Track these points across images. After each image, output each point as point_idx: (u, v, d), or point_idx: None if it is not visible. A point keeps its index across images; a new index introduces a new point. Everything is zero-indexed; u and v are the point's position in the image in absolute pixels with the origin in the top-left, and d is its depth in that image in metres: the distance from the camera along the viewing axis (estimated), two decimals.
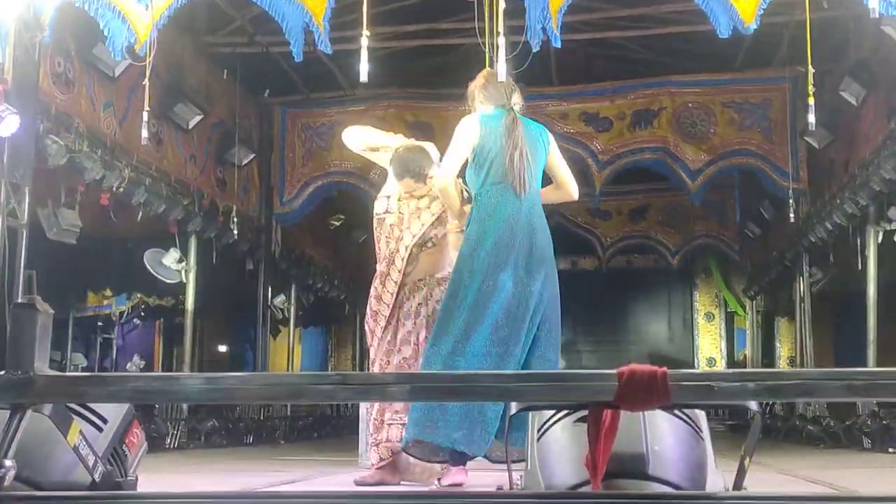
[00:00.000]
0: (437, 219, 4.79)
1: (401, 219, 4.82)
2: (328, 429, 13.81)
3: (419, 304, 4.66)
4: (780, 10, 7.64)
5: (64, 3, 7.32)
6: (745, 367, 15.65)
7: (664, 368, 1.37)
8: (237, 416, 11.31)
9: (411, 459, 4.41)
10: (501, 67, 6.52)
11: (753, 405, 1.40)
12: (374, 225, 4.94)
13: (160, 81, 8.32)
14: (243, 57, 11.04)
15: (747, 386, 1.36)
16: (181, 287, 10.73)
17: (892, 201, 9.29)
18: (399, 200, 4.86)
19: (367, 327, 4.83)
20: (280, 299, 12.89)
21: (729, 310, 17.05)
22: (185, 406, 10.05)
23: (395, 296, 4.67)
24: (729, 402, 1.39)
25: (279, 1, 7.52)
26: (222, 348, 14.89)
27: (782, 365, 15.17)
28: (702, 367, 16.58)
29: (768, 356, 15.93)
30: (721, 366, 16.97)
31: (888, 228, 9.44)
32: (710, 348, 17.22)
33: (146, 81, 7.46)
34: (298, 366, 14.53)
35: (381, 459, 4.55)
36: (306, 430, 13.11)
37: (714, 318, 17.30)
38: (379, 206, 4.94)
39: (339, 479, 5.21)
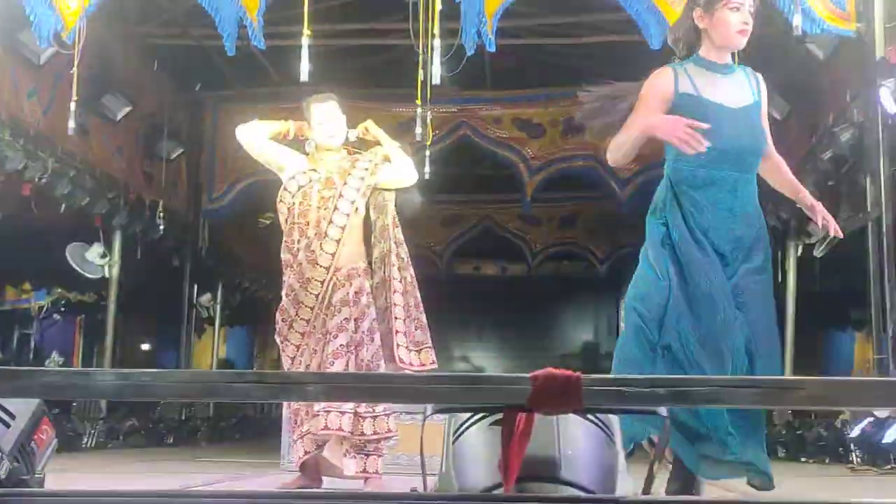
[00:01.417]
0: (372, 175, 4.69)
1: (330, 180, 4.64)
2: (251, 431, 13.64)
3: (356, 291, 4.55)
4: None
5: None
6: None
7: (578, 373, 1.39)
8: (157, 416, 11.12)
9: (331, 460, 4.38)
10: (436, 69, 6.57)
11: (663, 410, 1.43)
12: (293, 203, 4.63)
13: (88, 71, 8.12)
14: (175, 49, 10.87)
15: (657, 392, 1.39)
16: (104, 283, 10.52)
17: (810, 216, 9.52)
18: (315, 172, 4.67)
19: (279, 330, 4.62)
20: (206, 298, 12.70)
21: None
22: (103, 405, 9.86)
23: (325, 283, 4.52)
24: (640, 407, 1.41)
25: None
26: (145, 347, 14.65)
27: None
28: None
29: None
30: None
31: (808, 242, 9.68)
32: None
33: (74, 70, 7.32)
34: (223, 366, 14.34)
35: (306, 452, 4.45)
36: (229, 431, 12.91)
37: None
38: (295, 183, 4.66)
39: (259, 481, 5.14)
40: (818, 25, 7.32)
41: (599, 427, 1.54)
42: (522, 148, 12.10)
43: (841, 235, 3.55)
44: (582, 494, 1.44)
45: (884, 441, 6.85)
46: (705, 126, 3.06)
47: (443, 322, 16.14)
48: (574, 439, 1.50)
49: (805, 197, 3.56)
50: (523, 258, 15.75)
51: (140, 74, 10.73)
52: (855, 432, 7.42)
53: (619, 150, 3.36)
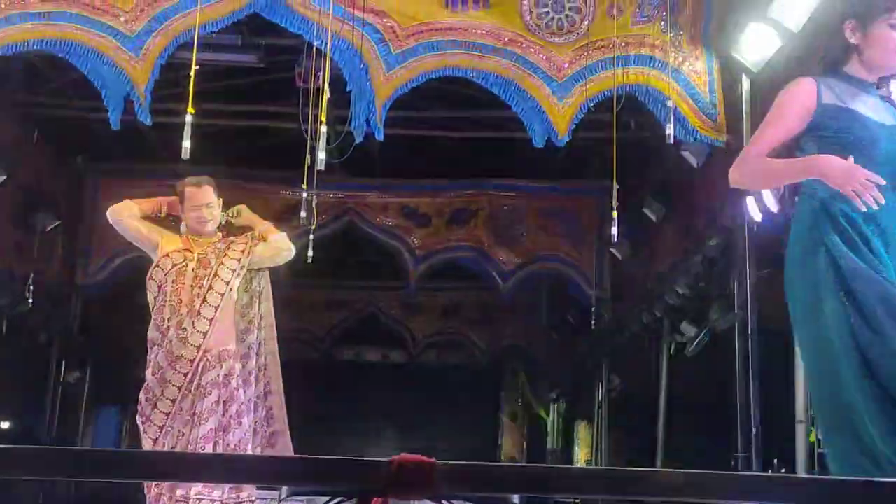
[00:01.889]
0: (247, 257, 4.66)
1: (205, 260, 4.59)
2: None
3: (226, 374, 4.47)
4: (592, 127, 8.09)
5: None
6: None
7: (433, 460, 1.41)
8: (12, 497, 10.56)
9: None
10: (322, 155, 6.63)
11: (515, 498, 1.45)
12: (166, 281, 4.55)
13: None
14: (58, 119, 10.67)
15: (511, 479, 1.42)
16: None
17: (683, 315, 9.81)
18: (188, 253, 4.61)
19: (141, 411, 4.50)
20: (74, 376, 12.24)
21: (533, 411, 17.35)
22: None
23: (194, 363, 4.45)
24: (493, 494, 1.44)
25: (101, 67, 7.40)
26: (4, 425, 13.91)
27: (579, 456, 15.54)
28: None
29: (567, 457, 16.26)
30: None
31: (680, 341, 9.94)
32: (511, 448, 17.41)
33: None
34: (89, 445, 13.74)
35: None
36: None
37: (518, 418, 17.53)
38: (170, 261, 4.59)
39: None
40: (691, 134, 7.67)
41: None
42: (408, 236, 12.21)
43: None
44: None
45: None
46: (882, 181, 2.65)
47: (319, 408, 16.02)
48: None
49: None
50: (405, 346, 15.78)
51: (18, 142, 10.46)
52: None
53: (769, 181, 3.14)
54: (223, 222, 4.75)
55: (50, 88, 10.13)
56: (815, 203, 2.77)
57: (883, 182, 2.63)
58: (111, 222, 4.78)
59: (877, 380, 2.52)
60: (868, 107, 2.84)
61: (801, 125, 2.87)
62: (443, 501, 1.53)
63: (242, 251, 4.67)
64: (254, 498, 4.41)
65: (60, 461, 1.35)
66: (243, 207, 4.83)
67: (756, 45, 7.32)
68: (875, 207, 2.62)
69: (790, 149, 2.90)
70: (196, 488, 4.22)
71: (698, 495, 1.52)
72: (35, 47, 7.40)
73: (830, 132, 2.74)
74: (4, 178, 9.61)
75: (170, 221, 4.80)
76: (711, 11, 7.62)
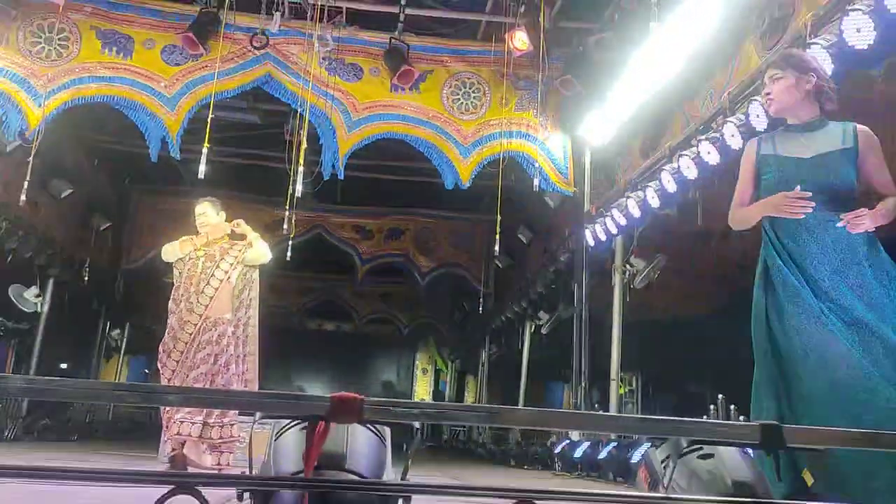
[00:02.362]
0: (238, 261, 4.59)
1: (211, 256, 4.56)
2: (141, 432, 12.57)
3: (219, 335, 4.40)
4: (486, 176, 8.14)
5: None
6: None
7: (362, 396, 1.42)
8: (67, 418, 10.13)
9: (190, 454, 4.16)
10: (299, 186, 6.56)
11: (416, 424, 1.47)
12: (184, 269, 4.53)
13: (43, 161, 7.59)
14: (112, 152, 10.32)
15: (412, 411, 1.44)
16: (36, 316, 9.62)
17: (541, 306, 9.94)
18: (202, 249, 4.58)
19: (160, 358, 4.46)
20: (116, 332, 11.84)
21: (437, 367, 17.38)
22: (24, 406, 8.90)
23: (197, 326, 4.38)
24: (401, 421, 1.45)
25: (146, 117, 7.20)
26: (63, 366, 13.35)
27: None
28: None
29: (460, 400, 16.31)
30: None
31: (537, 323, 10.09)
32: (423, 392, 17.42)
33: (30, 159, 6.84)
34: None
35: (173, 449, 4.25)
36: (122, 433, 11.85)
37: (427, 372, 17.52)
38: (188, 257, 4.58)
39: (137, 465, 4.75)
40: (551, 186, 7.82)
41: (375, 433, 1.57)
42: (358, 245, 12.16)
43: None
44: (357, 478, 1.45)
45: (575, 456, 7.00)
46: (801, 193, 2.38)
47: (293, 360, 15.77)
48: (357, 441, 1.51)
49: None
50: (353, 320, 15.64)
51: (82, 167, 10.10)
52: (557, 449, 7.55)
53: (748, 221, 2.52)
54: (229, 231, 4.68)
55: (108, 130, 9.80)
56: (764, 227, 2.52)
57: (802, 194, 2.38)
58: (162, 255, 4.68)
59: (776, 358, 2.30)
60: (797, 146, 2.52)
61: (752, 176, 2.59)
62: (367, 425, 1.54)
63: (237, 254, 4.63)
64: (234, 422, 4.34)
65: (105, 390, 1.32)
66: (242, 221, 4.76)
67: (595, 131, 7.49)
68: (801, 216, 2.37)
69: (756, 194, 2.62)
70: (184, 412, 4.18)
71: (545, 426, 1.54)
72: (99, 100, 7.16)
73: (767, 175, 2.52)
74: (72, 191, 9.27)
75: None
76: (567, 106, 7.77)
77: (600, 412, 6.99)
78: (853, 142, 2.44)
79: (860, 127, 2.48)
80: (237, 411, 4.36)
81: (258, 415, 1.44)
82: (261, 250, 4.71)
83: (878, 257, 2.32)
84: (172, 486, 1.32)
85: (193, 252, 4.54)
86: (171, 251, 4.64)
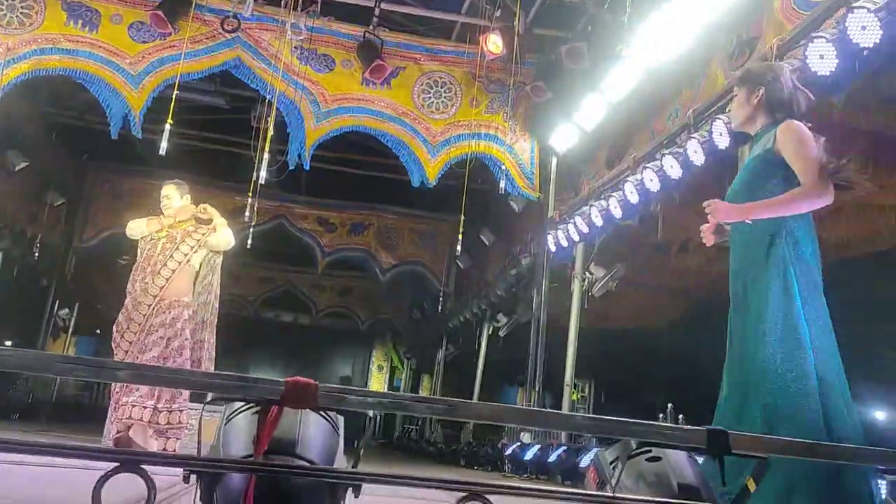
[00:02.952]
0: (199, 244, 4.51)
1: (172, 237, 4.47)
2: (85, 415, 12.25)
3: (173, 318, 4.32)
4: (452, 176, 8.16)
5: None
6: None
7: (316, 382, 1.41)
8: (9, 395, 9.83)
9: (136, 438, 4.08)
10: (263, 174, 6.48)
11: (370, 413, 1.47)
12: (144, 249, 4.45)
13: None
14: (72, 127, 10.05)
15: (367, 400, 1.44)
16: None
17: (499, 309, 9.99)
18: (165, 230, 4.50)
19: (114, 338, 4.35)
20: (64, 312, 11.51)
21: (393, 365, 17.32)
22: None
23: (151, 307, 4.30)
24: (354, 409, 1.44)
25: (108, 93, 7.03)
26: (8, 343, 12.94)
27: None
28: None
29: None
30: None
31: (496, 325, 10.13)
32: (378, 388, 17.29)
33: None
34: None
35: (118, 431, 4.15)
36: (66, 413, 11.51)
37: (383, 369, 17.43)
38: (150, 237, 4.49)
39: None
40: (516, 190, 7.86)
41: (328, 421, 1.55)
42: (319, 237, 12.06)
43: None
44: (307, 464, 1.44)
45: (525, 458, 7.08)
46: (709, 203, 2.52)
47: (249, 350, 15.55)
48: (309, 427, 1.50)
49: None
50: (310, 312, 15.50)
51: (40, 141, 9.80)
52: (508, 451, 7.61)
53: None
54: (193, 214, 4.59)
55: (68, 104, 9.54)
56: None
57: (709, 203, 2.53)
58: (126, 232, 4.55)
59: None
60: (746, 154, 2.68)
61: None
62: (321, 413, 1.53)
63: (199, 238, 4.54)
64: (183, 409, 4.27)
65: (54, 362, 1.29)
66: (208, 206, 4.68)
67: (562, 139, 7.57)
68: (717, 219, 2.54)
69: None
70: (136, 395, 4.09)
71: (500, 421, 1.55)
72: (60, 73, 6.97)
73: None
74: (27, 164, 9.00)
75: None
76: (536, 112, 7.84)
77: (554, 411, 7.06)
78: (772, 141, 2.50)
79: (782, 125, 2.52)
80: (186, 397, 4.29)
81: (209, 397, 1.42)
82: (224, 236, 4.63)
83: (777, 248, 2.36)
84: (117, 464, 1.29)
85: (155, 233, 4.46)
86: (136, 228, 4.54)
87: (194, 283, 4.53)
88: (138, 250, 4.50)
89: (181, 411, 4.22)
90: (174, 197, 4.59)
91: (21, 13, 6.80)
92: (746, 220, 2.41)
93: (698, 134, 5.15)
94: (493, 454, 8.52)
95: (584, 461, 5.87)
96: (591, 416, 1.50)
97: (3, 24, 6.73)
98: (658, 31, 5.60)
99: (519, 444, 7.42)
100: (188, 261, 4.43)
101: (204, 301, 4.56)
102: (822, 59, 4.10)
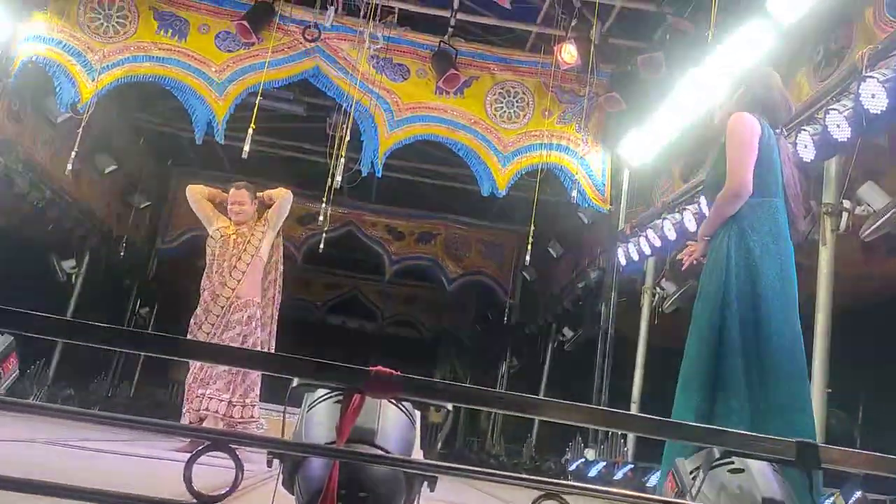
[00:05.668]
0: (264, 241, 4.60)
1: (241, 233, 4.58)
2: (163, 412, 12.66)
3: (249, 316, 4.45)
4: (520, 188, 8.15)
5: (29, 59, 6.81)
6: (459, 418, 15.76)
7: (398, 372, 1.43)
8: (90, 389, 10.30)
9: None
10: (339, 178, 6.63)
11: (449, 406, 1.47)
12: (216, 246, 4.58)
13: (90, 135, 7.76)
14: (158, 133, 10.52)
15: (448, 391, 1.45)
16: (70, 286, 9.82)
17: (565, 323, 9.88)
18: (231, 228, 4.61)
19: (190, 330, 4.52)
20: (145, 310, 12.01)
21: (455, 375, 17.21)
22: (50, 373, 9.09)
23: (229, 300, 4.43)
24: (435, 402, 1.46)
25: (194, 100, 7.33)
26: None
27: (482, 418, 15.48)
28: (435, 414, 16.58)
29: (476, 411, 16.16)
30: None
31: (561, 339, 10.02)
32: None
33: (79, 132, 7.01)
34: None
35: (190, 422, 4.28)
36: (144, 410, 11.94)
37: (445, 379, 17.30)
38: (219, 233, 4.63)
39: (161, 444, 4.77)
40: (587, 201, 7.77)
41: (406, 415, 1.57)
42: (388, 246, 12.18)
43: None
44: (388, 454, 1.46)
45: (589, 475, 6.92)
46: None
47: (316, 355, 15.82)
48: (388, 418, 1.52)
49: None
50: (376, 320, 15.67)
51: (128, 145, 10.30)
52: (571, 467, 7.46)
53: None
54: (259, 209, 4.73)
55: (156, 110, 10.00)
56: None
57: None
58: (188, 196, 4.73)
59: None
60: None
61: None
62: (399, 406, 1.55)
63: (264, 224, 4.63)
64: (255, 404, 4.38)
65: (129, 339, 1.35)
66: (266, 191, 4.79)
67: (636, 150, 7.46)
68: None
69: None
70: (213, 388, 4.21)
71: (571, 419, 1.53)
72: (150, 79, 7.31)
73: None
74: (115, 167, 9.47)
75: (223, 207, 4.79)
76: (609, 123, 7.75)
77: (638, 414, 6.89)
78: (724, 134, 2.63)
79: (730, 117, 2.65)
80: (258, 394, 4.41)
81: (294, 382, 1.46)
82: (281, 196, 4.68)
83: (721, 242, 2.61)
84: (207, 443, 1.34)
85: (224, 231, 4.60)
86: (199, 195, 4.67)
87: (264, 278, 4.65)
88: (208, 250, 4.64)
89: (254, 406, 4.34)
90: (248, 204, 4.68)
91: (116, 22, 7.19)
92: (706, 238, 2.69)
93: None
94: (556, 470, 8.39)
95: (651, 481, 5.72)
96: (676, 421, 1.47)
97: (99, 33, 7.13)
98: (742, 40, 5.46)
99: (583, 460, 7.29)
100: (259, 252, 4.57)
101: (271, 295, 4.67)
102: None
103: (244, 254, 4.51)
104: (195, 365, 4.38)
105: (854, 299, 5.56)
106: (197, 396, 4.24)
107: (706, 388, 2.38)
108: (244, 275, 4.47)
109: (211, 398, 4.18)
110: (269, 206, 4.68)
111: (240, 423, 4.26)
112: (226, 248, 4.54)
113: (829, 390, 4.01)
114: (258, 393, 4.39)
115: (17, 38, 6.77)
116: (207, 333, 4.42)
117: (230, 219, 4.66)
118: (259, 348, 4.46)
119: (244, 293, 4.48)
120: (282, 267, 4.78)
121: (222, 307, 4.42)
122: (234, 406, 4.24)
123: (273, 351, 4.65)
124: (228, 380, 4.21)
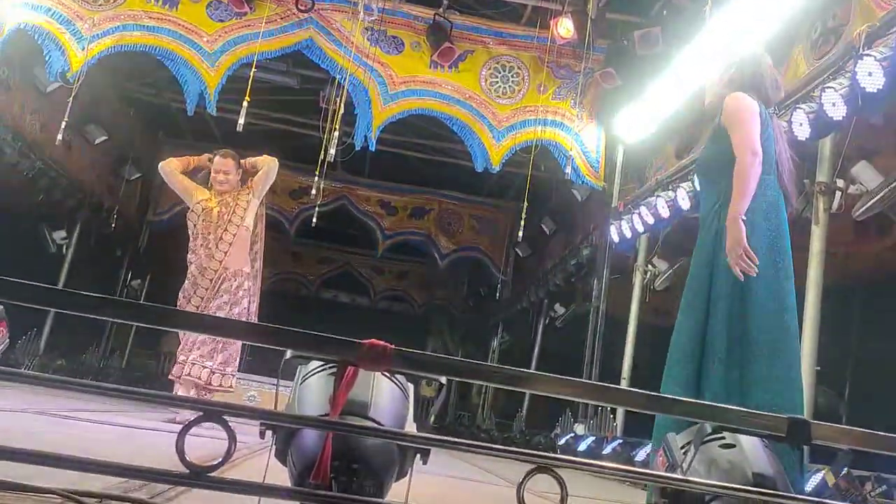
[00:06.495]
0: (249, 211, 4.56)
1: (225, 203, 4.51)
2: (154, 383, 12.69)
3: (237, 286, 4.44)
4: (514, 163, 8.11)
5: (17, 26, 6.69)
6: (450, 393, 15.86)
7: (392, 345, 1.42)
8: (82, 360, 10.29)
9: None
10: (332, 152, 6.57)
11: (443, 379, 1.47)
12: (198, 220, 4.50)
13: (80, 105, 7.66)
14: (150, 103, 10.39)
15: (439, 365, 1.45)
16: (61, 257, 9.76)
17: (557, 299, 9.90)
18: (213, 200, 4.54)
19: (179, 304, 4.49)
20: (136, 282, 11.95)
21: (447, 350, 17.29)
22: (41, 344, 9.06)
23: (217, 273, 4.41)
24: (426, 374, 1.45)
25: (186, 71, 7.23)
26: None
27: (473, 394, 15.58)
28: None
29: (468, 388, 16.26)
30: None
31: (552, 315, 10.06)
32: None
33: (69, 101, 6.91)
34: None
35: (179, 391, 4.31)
36: (135, 382, 11.97)
37: (437, 353, 17.45)
38: (200, 206, 4.55)
39: (151, 413, 4.78)
40: (580, 178, 7.74)
41: (399, 388, 1.57)
42: (380, 220, 12.16)
43: None
44: (381, 427, 1.46)
45: (579, 449, 6.97)
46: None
47: (308, 329, 15.84)
48: (381, 391, 1.52)
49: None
50: (368, 294, 15.68)
51: (119, 116, 10.17)
52: (560, 441, 7.50)
53: None
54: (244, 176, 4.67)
55: (147, 81, 9.87)
56: None
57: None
58: (161, 173, 4.68)
59: None
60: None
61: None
62: (392, 378, 1.54)
63: (249, 192, 4.59)
64: (234, 374, 4.41)
65: (119, 310, 1.34)
66: (249, 159, 4.73)
67: (631, 127, 7.41)
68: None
69: None
70: (196, 354, 4.21)
71: (566, 394, 1.53)
72: (141, 49, 7.20)
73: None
74: (106, 138, 9.36)
75: (199, 177, 4.72)
76: (605, 100, 7.70)
77: (632, 389, 6.96)
78: (720, 113, 2.63)
79: (728, 97, 2.64)
80: (235, 367, 4.41)
81: (287, 354, 1.45)
82: (267, 164, 4.63)
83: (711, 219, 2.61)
84: (200, 413, 1.34)
85: (206, 203, 4.54)
86: (174, 170, 4.59)
87: (250, 249, 4.62)
88: (190, 223, 4.57)
89: (233, 376, 4.34)
90: (233, 172, 4.62)
91: None
92: (743, 218, 2.46)
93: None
94: (546, 444, 8.44)
95: (640, 455, 5.78)
96: (670, 396, 1.47)
97: (89, 1, 7.00)
98: (739, 17, 5.40)
99: (572, 434, 7.34)
100: (244, 221, 4.53)
101: (257, 266, 4.66)
102: None
103: (230, 224, 4.46)
104: (183, 335, 4.38)
105: (843, 277, 5.58)
106: (178, 363, 4.25)
107: (694, 362, 2.42)
108: (231, 246, 4.44)
109: (193, 364, 4.18)
110: (254, 175, 4.62)
111: (217, 389, 4.27)
112: (209, 220, 4.49)
113: (819, 368, 4.04)
114: (236, 367, 4.40)
115: (4, 3, 6.63)
116: (196, 307, 4.39)
117: (210, 189, 4.60)
118: (243, 318, 4.45)
119: (232, 264, 4.45)
120: (262, 243, 4.75)
121: (211, 280, 4.40)
122: (214, 373, 4.25)
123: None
124: (212, 347, 4.21)
